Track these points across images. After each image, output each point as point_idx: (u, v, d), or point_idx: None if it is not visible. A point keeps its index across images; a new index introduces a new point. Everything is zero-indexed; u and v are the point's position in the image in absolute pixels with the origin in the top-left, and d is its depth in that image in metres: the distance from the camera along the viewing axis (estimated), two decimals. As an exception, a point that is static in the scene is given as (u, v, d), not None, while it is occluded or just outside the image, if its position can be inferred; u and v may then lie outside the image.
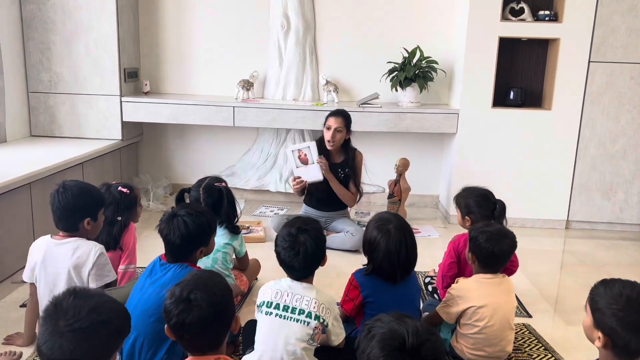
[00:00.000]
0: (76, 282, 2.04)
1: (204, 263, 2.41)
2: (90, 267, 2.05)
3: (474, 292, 2.11)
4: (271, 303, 1.82)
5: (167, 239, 1.89)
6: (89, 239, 2.15)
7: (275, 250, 1.89)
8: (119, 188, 2.41)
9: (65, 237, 2.10)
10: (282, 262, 1.88)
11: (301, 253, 1.82)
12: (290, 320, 1.79)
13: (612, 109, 3.80)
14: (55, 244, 2.08)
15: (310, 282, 1.91)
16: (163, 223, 1.91)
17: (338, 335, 1.92)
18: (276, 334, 1.80)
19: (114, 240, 2.38)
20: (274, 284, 1.87)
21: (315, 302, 1.81)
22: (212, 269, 2.41)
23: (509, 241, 2.12)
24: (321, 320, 1.81)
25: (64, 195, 2.05)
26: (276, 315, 1.80)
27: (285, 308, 1.81)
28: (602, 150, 3.87)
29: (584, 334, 2.46)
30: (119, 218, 2.36)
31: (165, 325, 1.41)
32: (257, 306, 1.87)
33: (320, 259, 1.90)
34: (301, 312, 1.79)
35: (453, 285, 2.18)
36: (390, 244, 1.97)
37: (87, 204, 2.10)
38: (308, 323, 1.79)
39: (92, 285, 2.06)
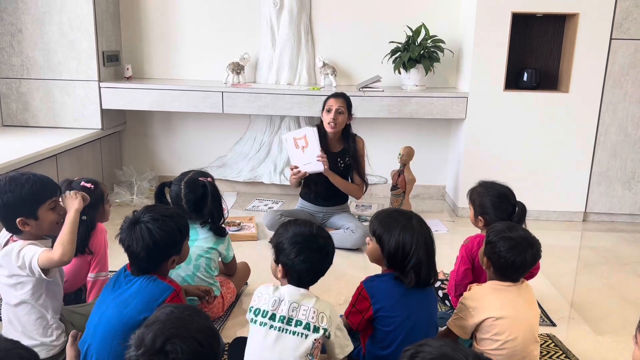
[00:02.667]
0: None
1: (184, 270, 2.12)
2: (14, 258, 1.75)
3: (491, 300, 1.83)
4: (267, 312, 1.61)
5: (129, 250, 1.60)
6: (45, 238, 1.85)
7: (286, 260, 1.63)
8: (82, 183, 2.11)
9: (15, 240, 1.82)
10: (302, 273, 1.63)
11: (329, 253, 1.68)
12: (287, 332, 1.59)
13: (635, 91, 3.49)
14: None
15: (308, 288, 1.68)
16: (124, 232, 1.62)
17: (344, 347, 1.67)
18: (270, 349, 1.57)
19: (80, 243, 2.07)
20: (272, 290, 1.65)
21: (314, 312, 1.60)
22: (194, 275, 2.12)
23: (534, 251, 1.82)
24: (321, 331, 1.58)
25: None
26: (271, 327, 1.59)
27: (282, 319, 1.59)
28: (624, 137, 3.56)
29: (615, 345, 2.22)
30: (84, 217, 2.05)
31: None
32: (250, 310, 1.64)
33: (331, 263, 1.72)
34: (298, 323, 1.59)
35: (465, 294, 1.89)
36: (427, 237, 1.75)
37: (16, 202, 1.75)
38: (306, 336, 1.57)
39: (31, 264, 1.73)
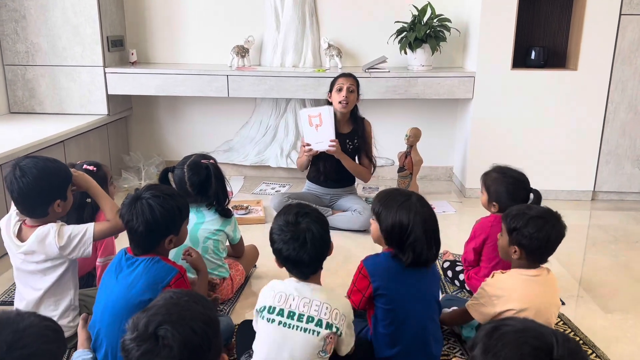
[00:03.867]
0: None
1: (193, 252, 2.13)
2: (56, 241, 1.80)
3: (516, 292, 1.76)
4: (274, 308, 1.52)
5: (129, 225, 1.61)
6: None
7: (273, 248, 1.58)
8: (84, 166, 2.13)
9: (33, 226, 1.84)
10: (286, 260, 1.55)
11: (308, 241, 1.51)
12: (297, 329, 1.50)
13: (645, 68, 3.44)
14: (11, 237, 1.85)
15: (319, 280, 1.62)
16: (124, 207, 1.62)
17: (349, 345, 1.62)
18: (279, 346, 1.51)
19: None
20: (278, 284, 1.57)
21: (327, 308, 1.51)
22: (203, 257, 2.13)
23: (561, 222, 1.79)
24: (334, 329, 1.51)
25: (24, 180, 1.76)
26: (280, 323, 1.51)
27: (291, 315, 1.51)
28: (633, 114, 3.52)
29: (624, 322, 2.21)
30: (89, 200, 2.07)
31: None
32: (257, 311, 1.57)
33: (328, 246, 1.59)
34: (310, 319, 1.50)
35: (488, 281, 1.84)
36: (425, 216, 1.68)
37: (53, 185, 1.81)
38: (318, 333, 1.50)
39: (76, 255, 1.83)
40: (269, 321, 1.53)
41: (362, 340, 1.79)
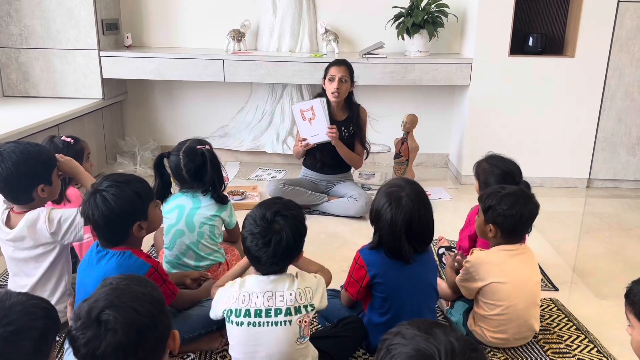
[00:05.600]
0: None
1: (189, 238, 2.13)
2: (46, 226, 1.79)
3: (492, 266, 1.86)
4: (240, 311, 1.49)
5: (89, 220, 1.58)
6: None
7: (241, 234, 1.55)
8: (62, 138, 2.17)
9: (21, 212, 1.82)
10: (247, 251, 1.52)
11: (272, 244, 1.46)
12: (267, 325, 1.48)
13: (642, 55, 3.43)
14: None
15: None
16: (84, 203, 1.59)
17: (323, 306, 1.60)
18: (254, 346, 1.49)
19: (58, 197, 2.06)
20: (238, 286, 1.52)
21: (291, 294, 1.50)
22: (199, 243, 2.13)
23: (534, 201, 1.87)
24: (303, 311, 1.50)
25: (3, 166, 1.74)
26: (249, 324, 1.48)
27: (258, 313, 1.48)
28: (630, 102, 3.52)
29: (617, 308, 2.23)
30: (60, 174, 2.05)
31: None
32: (223, 314, 1.53)
33: (296, 255, 1.55)
34: (278, 312, 1.48)
35: (469, 258, 1.92)
36: (398, 215, 1.65)
37: (35, 170, 1.79)
38: (290, 322, 1.48)
39: (69, 238, 1.83)
40: (237, 324, 1.49)
41: (355, 318, 1.80)
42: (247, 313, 1.49)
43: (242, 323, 1.49)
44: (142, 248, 1.72)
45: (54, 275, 1.87)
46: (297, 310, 1.49)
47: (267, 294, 1.49)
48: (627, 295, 1.21)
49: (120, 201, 1.56)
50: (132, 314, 1.00)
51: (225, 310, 1.52)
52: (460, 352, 0.83)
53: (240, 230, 1.56)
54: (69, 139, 2.19)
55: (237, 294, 1.51)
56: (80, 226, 1.81)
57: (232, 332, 1.53)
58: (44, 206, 1.87)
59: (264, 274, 1.53)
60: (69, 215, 1.82)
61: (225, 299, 1.54)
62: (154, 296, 1.07)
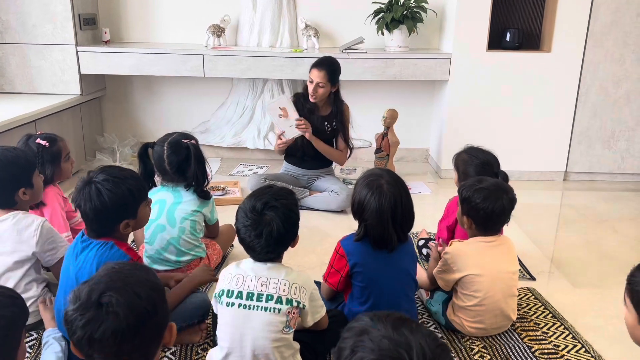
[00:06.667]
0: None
1: (169, 233, 2.12)
2: (36, 239, 1.79)
3: (470, 258, 1.89)
4: (232, 292, 1.51)
5: (79, 210, 1.57)
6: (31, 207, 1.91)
7: (234, 225, 1.58)
8: (37, 140, 2.13)
9: (2, 212, 1.81)
10: (242, 241, 1.54)
11: (264, 235, 1.49)
12: (257, 309, 1.49)
13: (616, 50, 3.50)
14: None
15: (278, 261, 1.59)
16: (76, 191, 1.57)
17: (315, 314, 1.60)
18: (241, 327, 1.50)
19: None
20: (234, 268, 1.56)
21: (285, 284, 1.51)
22: (180, 238, 2.13)
23: (509, 196, 1.89)
24: (294, 303, 1.51)
25: None
26: (239, 305, 1.50)
27: (250, 296, 1.50)
28: (604, 96, 3.59)
29: (592, 297, 2.29)
30: (41, 175, 2.04)
31: (70, 342, 1.05)
32: (215, 296, 1.55)
33: (290, 241, 1.58)
34: (269, 298, 1.50)
35: (447, 249, 1.95)
36: (383, 202, 1.68)
37: (14, 175, 1.80)
38: (279, 310, 1.49)
39: (49, 261, 1.84)
40: (228, 305, 1.51)
41: (336, 312, 1.82)
42: (240, 295, 1.50)
43: (232, 304, 1.50)
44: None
45: (32, 282, 1.85)
46: (289, 301, 1.50)
47: (262, 279, 1.51)
48: (629, 280, 1.23)
49: (114, 197, 1.55)
50: (133, 298, 0.99)
51: (218, 291, 1.54)
52: (429, 353, 0.80)
53: (234, 222, 1.58)
54: (44, 142, 2.14)
55: (232, 276, 1.53)
56: (56, 259, 1.83)
57: (222, 313, 1.53)
58: (27, 208, 1.88)
59: (259, 261, 1.55)
60: (58, 242, 1.84)
61: (221, 281, 1.55)
62: (156, 283, 1.06)
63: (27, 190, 1.83)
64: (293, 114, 3.01)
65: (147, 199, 1.69)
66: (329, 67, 2.99)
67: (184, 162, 2.14)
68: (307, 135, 3.00)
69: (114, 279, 1.02)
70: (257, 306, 1.49)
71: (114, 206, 1.55)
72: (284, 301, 1.50)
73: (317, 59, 3.04)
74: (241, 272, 1.54)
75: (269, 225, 1.49)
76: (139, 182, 1.65)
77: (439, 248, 2.06)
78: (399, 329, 0.83)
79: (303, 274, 1.59)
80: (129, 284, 1.01)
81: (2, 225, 1.80)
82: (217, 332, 1.56)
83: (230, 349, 1.51)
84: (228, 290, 1.52)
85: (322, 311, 1.64)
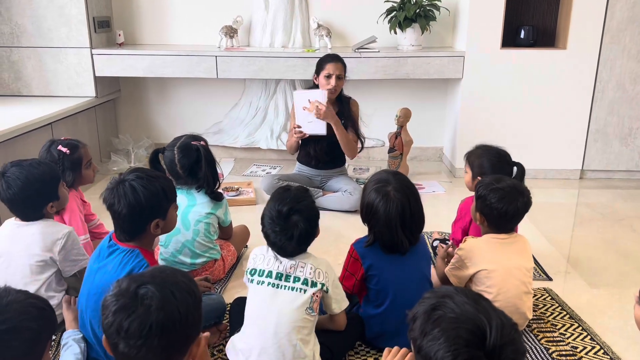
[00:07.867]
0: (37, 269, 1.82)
1: (184, 236, 2.14)
2: (59, 247, 1.84)
3: (484, 253, 1.88)
4: (263, 271, 1.62)
5: (112, 209, 1.57)
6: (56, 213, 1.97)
7: (262, 231, 1.64)
8: (59, 147, 2.15)
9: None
10: (273, 245, 1.63)
11: (295, 237, 1.58)
12: (285, 289, 1.59)
13: (633, 47, 3.44)
14: (18, 226, 1.87)
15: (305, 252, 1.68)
16: (107, 190, 1.59)
17: (340, 302, 1.69)
18: (268, 305, 1.58)
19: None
20: (267, 249, 1.65)
21: (311, 268, 1.61)
22: (194, 240, 2.14)
23: (524, 199, 1.86)
24: (319, 285, 1.60)
25: (9, 192, 1.79)
26: (269, 284, 1.60)
27: (279, 276, 1.60)
28: (622, 93, 3.54)
29: (610, 297, 2.26)
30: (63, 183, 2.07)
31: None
32: (247, 272, 1.65)
33: (315, 236, 1.66)
34: (296, 279, 1.60)
35: (461, 245, 1.95)
36: (390, 208, 1.70)
37: (42, 191, 1.84)
38: (305, 291, 1.59)
39: (67, 271, 1.88)
40: (259, 283, 1.61)
41: (354, 314, 1.82)
42: (270, 274, 1.61)
43: (262, 282, 1.60)
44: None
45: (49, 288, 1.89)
46: (314, 284, 1.59)
47: (291, 262, 1.61)
48: None
49: (148, 194, 1.57)
50: (169, 296, 1.02)
51: (249, 269, 1.64)
52: (507, 330, 0.86)
53: (261, 227, 1.64)
54: (65, 149, 2.16)
55: (264, 257, 1.64)
56: (74, 271, 1.88)
57: (252, 291, 1.63)
58: (53, 216, 1.93)
59: (290, 257, 1.63)
60: (80, 255, 1.89)
61: (252, 259, 1.66)
62: (194, 290, 1.09)
63: (54, 203, 1.88)
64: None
65: (176, 202, 1.71)
66: (342, 60, 3.03)
67: (195, 164, 2.15)
68: (332, 122, 2.96)
69: (155, 276, 1.06)
70: (285, 286, 1.59)
71: (148, 202, 1.57)
72: (309, 283, 1.59)
73: (319, 58, 3.07)
74: (272, 254, 1.63)
75: (297, 227, 1.57)
76: (170, 182, 1.69)
77: (449, 250, 2.05)
78: (481, 303, 0.90)
79: (325, 261, 1.67)
80: (168, 282, 1.05)
81: (29, 229, 1.84)
82: (246, 310, 1.63)
83: (253, 325, 1.59)
84: (260, 270, 1.62)
85: (346, 301, 1.71)
